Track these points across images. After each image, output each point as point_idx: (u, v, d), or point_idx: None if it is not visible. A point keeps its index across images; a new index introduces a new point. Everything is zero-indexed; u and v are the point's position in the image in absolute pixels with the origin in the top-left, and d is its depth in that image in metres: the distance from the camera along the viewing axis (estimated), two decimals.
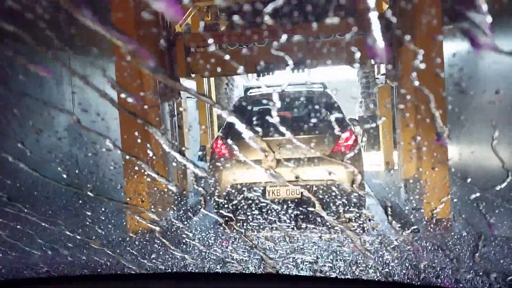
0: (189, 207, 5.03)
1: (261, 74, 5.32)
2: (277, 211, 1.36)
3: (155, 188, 4.20)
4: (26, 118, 4.12)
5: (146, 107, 4.23)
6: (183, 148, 5.60)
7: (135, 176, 3.92)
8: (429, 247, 1.40)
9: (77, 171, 5.10)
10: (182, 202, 5.05)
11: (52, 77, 4.88)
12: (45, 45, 1.11)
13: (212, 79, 7.49)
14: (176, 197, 4.99)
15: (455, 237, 1.49)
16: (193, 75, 5.58)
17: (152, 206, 4.07)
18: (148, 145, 2.97)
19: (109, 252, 1.21)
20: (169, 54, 5.18)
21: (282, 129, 1.35)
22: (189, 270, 1.20)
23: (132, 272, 1.16)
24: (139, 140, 3.10)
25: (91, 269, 1.20)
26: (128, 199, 4.01)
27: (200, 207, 5.07)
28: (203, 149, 6.26)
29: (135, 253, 1.26)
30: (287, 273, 1.15)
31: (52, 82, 4.89)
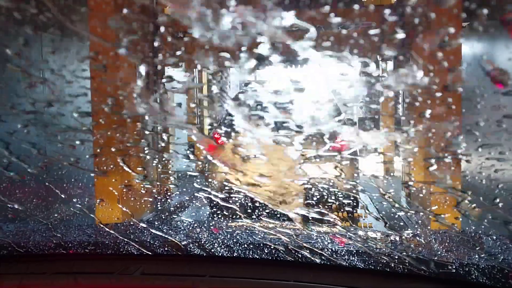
0: (171, 208, 5.11)
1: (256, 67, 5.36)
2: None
3: (130, 187, 4.20)
4: None
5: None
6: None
7: (106, 173, 3.91)
8: (433, 242, 1.49)
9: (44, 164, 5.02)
10: (163, 203, 5.09)
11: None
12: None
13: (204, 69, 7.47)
14: (156, 197, 5.02)
15: (460, 237, 1.58)
16: (181, 64, 5.57)
17: (125, 207, 4.10)
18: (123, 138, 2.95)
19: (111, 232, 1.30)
20: (154, 40, 5.14)
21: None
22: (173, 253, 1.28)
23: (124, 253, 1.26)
24: (113, 129, 3.06)
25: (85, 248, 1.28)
26: (98, 197, 4.00)
27: (184, 207, 5.13)
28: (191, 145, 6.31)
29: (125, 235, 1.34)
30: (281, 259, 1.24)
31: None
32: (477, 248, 1.38)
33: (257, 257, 1.25)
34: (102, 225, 1.42)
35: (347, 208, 4.57)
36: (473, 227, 1.69)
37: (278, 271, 1.23)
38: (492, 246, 1.40)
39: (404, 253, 1.27)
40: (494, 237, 1.44)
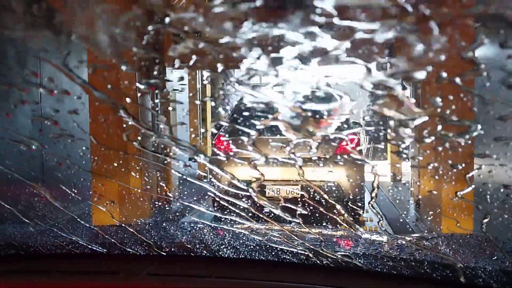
0: (171, 214, 5.16)
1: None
2: (276, 208, 1.49)
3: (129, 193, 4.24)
4: None
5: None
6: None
7: (105, 177, 3.94)
8: (439, 245, 1.52)
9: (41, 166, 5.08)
10: (164, 208, 5.14)
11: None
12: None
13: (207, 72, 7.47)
14: (156, 203, 5.06)
15: (467, 240, 1.61)
16: (184, 66, 5.60)
17: (124, 212, 4.14)
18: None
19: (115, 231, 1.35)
20: (155, 39, 5.18)
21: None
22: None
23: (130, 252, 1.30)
24: (110, 132, 3.07)
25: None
26: (95, 200, 4.02)
27: (186, 213, 5.18)
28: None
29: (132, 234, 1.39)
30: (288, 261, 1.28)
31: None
32: (484, 251, 1.41)
33: (263, 258, 1.28)
34: (108, 225, 1.46)
35: (352, 211, 4.72)
36: (481, 230, 1.72)
37: (283, 273, 1.26)
38: (499, 249, 1.43)
39: (411, 256, 1.31)
40: (502, 240, 1.47)
